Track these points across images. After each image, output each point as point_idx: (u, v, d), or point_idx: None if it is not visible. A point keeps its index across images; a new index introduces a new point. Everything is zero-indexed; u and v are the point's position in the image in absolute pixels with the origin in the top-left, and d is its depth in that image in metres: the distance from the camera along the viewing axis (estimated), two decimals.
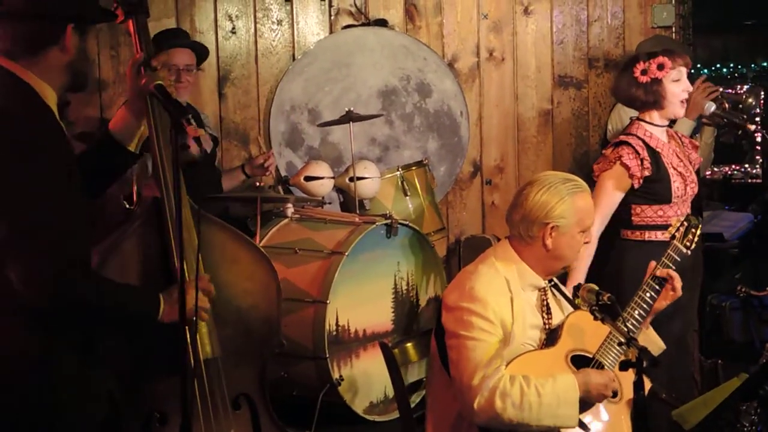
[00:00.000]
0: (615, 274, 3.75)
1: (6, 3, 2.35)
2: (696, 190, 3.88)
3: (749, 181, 5.94)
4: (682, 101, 3.80)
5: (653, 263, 3.04)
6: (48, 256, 2.23)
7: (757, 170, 5.86)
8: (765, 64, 7.77)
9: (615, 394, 2.85)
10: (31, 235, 2.22)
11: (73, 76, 2.42)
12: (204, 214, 2.81)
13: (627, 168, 3.71)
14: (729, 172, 6.05)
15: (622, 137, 3.80)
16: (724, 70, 7.75)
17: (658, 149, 3.76)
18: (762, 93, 5.41)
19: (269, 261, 2.91)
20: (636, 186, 3.72)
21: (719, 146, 4.88)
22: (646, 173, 3.72)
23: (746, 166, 5.84)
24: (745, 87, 5.41)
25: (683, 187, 3.78)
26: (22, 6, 2.34)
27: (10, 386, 2.30)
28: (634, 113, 3.99)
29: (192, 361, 2.57)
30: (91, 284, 2.35)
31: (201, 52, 4.47)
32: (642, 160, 3.71)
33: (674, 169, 3.77)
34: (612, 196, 3.75)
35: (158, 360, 2.40)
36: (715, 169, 6.10)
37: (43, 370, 2.31)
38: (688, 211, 3.76)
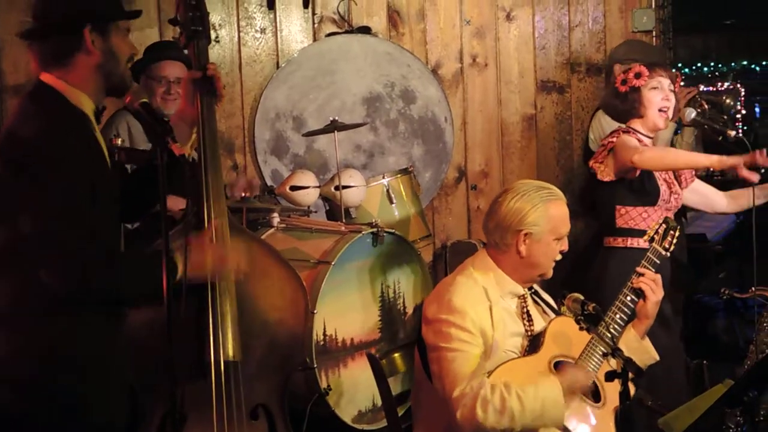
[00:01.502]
0: (597, 280, 3.78)
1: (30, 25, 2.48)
2: (680, 203, 3.93)
3: (731, 177, 5.96)
4: (661, 110, 3.83)
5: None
6: (73, 257, 2.33)
7: None
8: (745, 62, 7.83)
9: (598, 399, 2.87)
10: (54, 238, 2.32)
11: (106, 77, 2.51)
12: (239, 226, 2.86)
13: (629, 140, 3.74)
14: (711, 169, 6.07)
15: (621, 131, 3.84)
16: (705, 69, 7.80)
17: None
18: (742, 92, 5.44)
19: (300, 280, 2.92)
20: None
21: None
22: None
23: None
24: (726, 84, 5.43)
25: (668, 193, 3.83)
26: (39, 20, 2.45)
27: (34, 382, 2.37)
28: (613, 122, 4.05)
29: (212, 357, 2.64)
30: (113, 277, 2.42)
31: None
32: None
33: (660, 176, 3.82)
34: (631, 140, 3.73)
35: (180, 360, 2.39)
36: None
37: (64, 364, 2.39)
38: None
